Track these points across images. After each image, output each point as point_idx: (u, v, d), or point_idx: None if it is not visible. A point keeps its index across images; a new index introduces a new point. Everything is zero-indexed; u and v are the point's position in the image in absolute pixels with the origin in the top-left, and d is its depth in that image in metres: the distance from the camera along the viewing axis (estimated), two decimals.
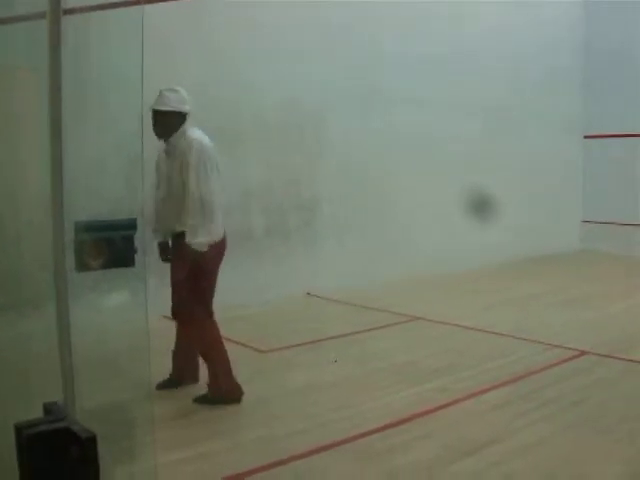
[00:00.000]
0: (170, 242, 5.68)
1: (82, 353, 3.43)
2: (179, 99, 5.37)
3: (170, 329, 7.59)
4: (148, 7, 7.27)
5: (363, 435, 4.95)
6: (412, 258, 10.59)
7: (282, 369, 6.39)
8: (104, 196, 3.54)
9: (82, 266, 2.79)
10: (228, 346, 7.25)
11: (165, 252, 5.74)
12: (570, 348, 7.05)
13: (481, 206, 10.88)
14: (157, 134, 5.42)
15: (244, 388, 5.78)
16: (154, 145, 5.48)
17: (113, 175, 3.75)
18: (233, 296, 8.66)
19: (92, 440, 2.01)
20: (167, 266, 5.59)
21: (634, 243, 13.28)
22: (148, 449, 3.79)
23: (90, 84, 3.60)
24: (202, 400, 5.52)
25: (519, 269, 12.16)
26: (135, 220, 2.92)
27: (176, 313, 5.56)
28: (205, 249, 5.24)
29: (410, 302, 9.25)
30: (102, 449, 2.65)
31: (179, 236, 5.37)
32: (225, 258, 9.18)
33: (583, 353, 6.92)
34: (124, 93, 3.40)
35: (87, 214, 3.14)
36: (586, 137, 14.49)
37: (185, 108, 5.38)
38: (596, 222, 14.01)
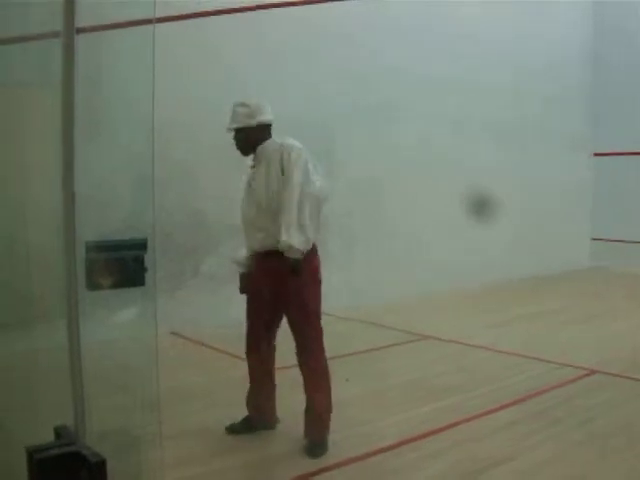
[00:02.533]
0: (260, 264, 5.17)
1: (92, 371, 3.44)
2: (248, 113, 4.96)
3: (178, 345, 7.58)
4: (159, 26, 7.34)
5: (374, 453, 4.94)
6: (420, 275, 10.57)
7: (293, 388, 6.36)
8: (115, 215, 3.56)
9: (93, 285, 2.80)
10: (235, 362, 7.28)
11: (247, 284, 5.31)
12: (580, 367, 7.03)
13: (489, 219, 10.89)
14: (240, 151, 5.10)
15: None
16: (165, 163, 5.47)
17: (124, 194, 3.76)
18: (240, 312, 8.69)
19: (102, 464, 2.02)
20: (177, 284, 5.48)
21: None
22: (156, 467, 3.79)
23: (101, 102, 3.63)
24: (314, 453, 5.00)
25: (529, 287, 12.14)
26: (145, 240, 2.93)
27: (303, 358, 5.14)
28: (299, 255, 4.80)
29: (419, 320, 9.23)
30: (111, 467, 2.66)
31: (274, 255, 4.89)
32: (234, 274, 9.20)
33: (593, 372, 6.89)
34: (135, 111, 3.41)
35: (98, 233, 3.16)
36: (596, 155, 14.48)
37: (253, 122, 4.96)
38: (606, 240, 13.98)
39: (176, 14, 7.74)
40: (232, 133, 5.08)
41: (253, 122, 4.98)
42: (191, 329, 8.29)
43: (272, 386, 5.43)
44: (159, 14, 6.62)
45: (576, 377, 6.76)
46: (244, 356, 7.07)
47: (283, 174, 4.84)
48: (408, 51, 10.96)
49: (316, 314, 5.07)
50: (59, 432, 2.15)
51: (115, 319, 3.89)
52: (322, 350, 5.13)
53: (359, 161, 10.29)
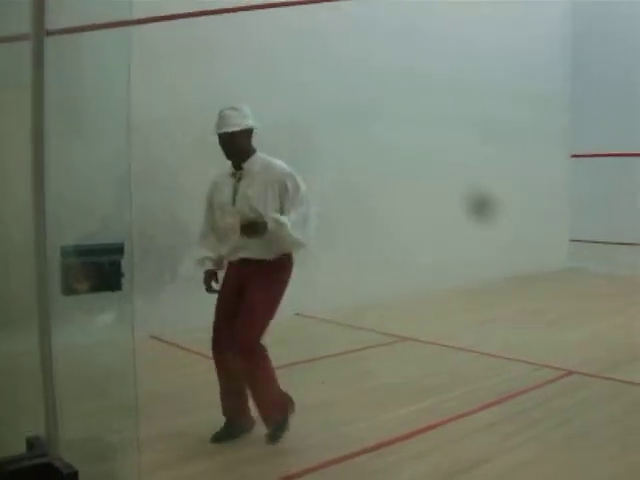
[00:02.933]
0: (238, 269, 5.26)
1: (68, 376, 3.42)
2: (238, 117, 5.04)
3: (157, 349, 7.54)
4: (141, 26, 7.32)
5: (353, 455, 4.92)
6: (400, 277, 10.58)
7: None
8: (91, 218, 3.53)
9: (69, 290, 2.78)
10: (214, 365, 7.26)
11: (209, 282, 5.42)
12: (558, 368, 7.05)
13: (473, 219, 10.95)
14: (227, 156, 5.14)
15: None
16: (140, 165, 5.43)
17: (100, 196, 3.74)
18: None
19: (74, 476, 1.99)
20: (156, 287, 5.46)
21: (622, 262, 13.29)
22: (133, 471, 3.76)
23: (77, 104, 3.60)
24: (274, 436, 5.14)
25: (507, 288, 12.18)
26: (122, 245, 2.91)
27: (244, 347, 5.17)
28: (304, 244, 5.01)
29: (399, 322, 9.23)
30: (89, 473, 2.64)
31: (249, 262, 5.09)
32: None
33: (570, 373, 6.92)
34: (112, 112, 3.40)
35: (75, 237, 3.13)
36: (573, 156, 14.54)
37: (243, 125, 5.04)
38: (584, 241, 14.05)
39: (160, 14, 7.71)
40: (217, 137, 5.11)
41: (243, 125, 5.04)
42: (170, 332, 8.25)
43: (240, 387, 5.35)
44: (141, 15, 6.60)
45: (555, 378, 6.78)
46: None
47: (285, 203, 4.99)
48: (393, 51, 10.97)
49: (262, 316, 5.18)
50: (31, 443, 2.12)
51: (92, 323, 3.87)
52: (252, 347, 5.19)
53: (344, 161, 10.29)
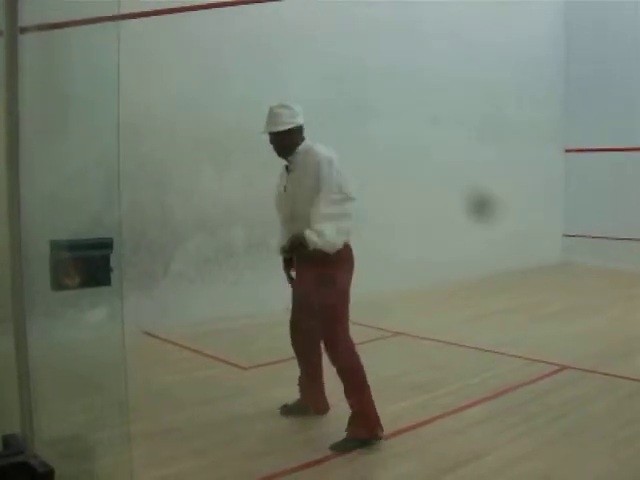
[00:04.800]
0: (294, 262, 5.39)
1: (57, 371, 3.39)
2: (291, 115, 5.11)
3: (149, 344, 7.54)
4: (133, 22, 7.28)
5: (344, 452, 4.91)
6: (393, 271, 10.57)
7: (263, 386, 6.36)
8: (81, 213, 3.51)
9: (57, 285, 2.76)
10: (207, 362, 7.24)
11: (286, 269, 5.46)
12: (551, 363, 7.05)
13: (471, 210, 10.96)
14: (278, 154, 5.22)
15: (223, 405, 5.78)
16: (132, 161, 5.42)
17: (90, 192, 3.71)
18: (213, 311, 8.65)
19: (49, 475, 1.96)
20: (147, 283, 5.46)
21: (615, 256, 13.31)
22: (125, 467, 3.74)
23: (67, 100, 3.58)
24: (342, 447, 5.02)
25: (500, 282, 12.17)
26: (111, 239, 2.88)
27: (324, 337, 5.24)
28: (331, 249, 4.95)
29: (391, 317, 9.22)
30: (77, 469, 2.62)
31: (306, 254, 5.03)
32: (206, 272, 9.15)
33: (564, 368, 6.91)
34: (102, 109, 3.37)
35: (63, 232, 3.11)
36: (567, 151, 14.55)
37: (300, 121, 5.16)
38: (577, 236, 14.06)
39: (151, 10, 7.68)
40: (267, 136, 5.17)
41: (293, 124, 5.12)
42: (162, 328, 8.23)
43: (317, 373, 5.59)
44: (130, 9, 6.57)
45: (548, 373, 6.78)
46: (214, 354, 7.07)
47: (318, 186, 4.96)
48: (385, 48, 10.95)
49: (335, 311, 5.16)
50: (8, 441, 2.09)
51: (82, 319, 3.84)
52: (339, 343, 5.25)
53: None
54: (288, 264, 5.45)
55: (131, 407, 3.87)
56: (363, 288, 9.94)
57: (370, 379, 6.48)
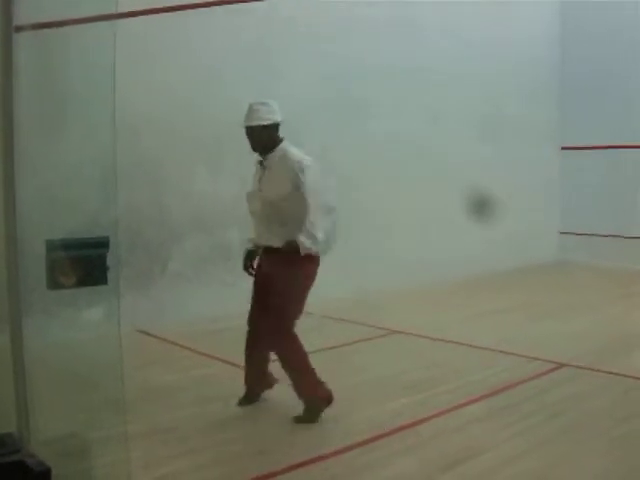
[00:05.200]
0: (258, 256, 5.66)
1: (53, 370, 3.39)
2: (269, 111, 5.34)
3: (145, 344, 7.53)
4: (129, 20, 7.27)
5: (343, 450, 4.91)
6: (391, 270, 10.56)
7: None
8: (77, 212, 3.50)
9: (54, 284, 2.75)
10: (204, 361, 7.24)
11: (249, 261, 5.70)
12: (548, 360, 7.04)
13: (468, 209, 10.97)
14: (253, 149, 5.42)
15: (220, 404, 5.80)
16: (128, 160, 5.41)
17: (87, 191, 3.71)
18: (210, 310, 8.64)
19: (46, 474, 1.95)
20: (144, 282, 5.48)
21: (611, 254, 13.31)
22: (123, 467, 3.74)
23: (64, 98, 3.57)
24: (303, 418, 5.43)
25: (496, 281, 12.16)
26: (107, 238, 2.88)
27: (270, 327, 5.46)
28: (312, 251, 5.22)
29: (389, 315, 9.19)
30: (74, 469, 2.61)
31: (274, 251, 5.33)
32: (201, 272, 9.14)
33: (562, 365, 6.91)
34: (98, 107, 3.36)
35: (59, 231, 3.10)
36: (563, 148, 14.56)
37: (277, 119, 5.37)
38: (573, 233, 14.07)
39: (148, 8, 7.68)
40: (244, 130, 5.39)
41: (271, 120, 5.34)
42: (159, 327, 8.22)
43: (260, 360, 5.84)
44: (129, 9, 6.57)
45: (545, 371, 6.78)
46: (211, 354, 7.07)
47: (298, 190, 5.21)
48: (384, 47, 10.95)
49: (285, 308, 5.40)
50: (4, 440, 2.08)
51: (79, 318, 3.84)
52: (283, 343, 5.50)
53: (332, 155, 10.23)
54: (248, 256, 5.70)
55: (128, 406, 3.88)
56: (360, 288, 10.05)
57: (368, 377, 6.51)
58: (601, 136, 13.38)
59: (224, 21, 8.97)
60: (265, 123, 5.30)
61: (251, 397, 5.88)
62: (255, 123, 5.29)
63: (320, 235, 5.17)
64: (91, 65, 3.49)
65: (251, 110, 5.32)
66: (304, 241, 5.11)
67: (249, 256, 5.70)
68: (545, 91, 14.39)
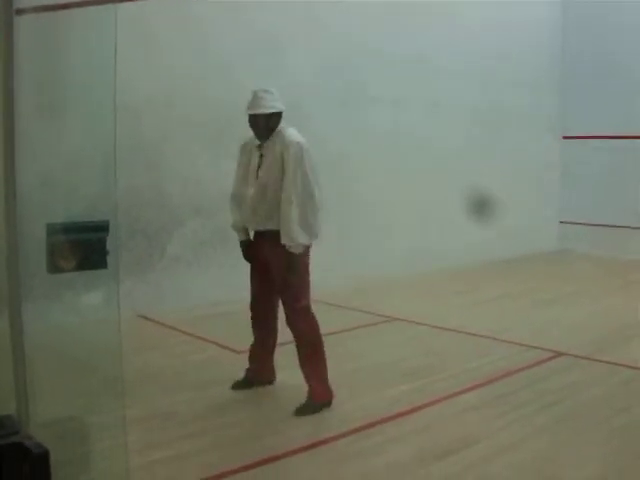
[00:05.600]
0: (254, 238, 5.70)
1: (53, 354, 3.39)
2: (274, 99, 5.31)
3: (145, 328, 7.55)
4: (133, 4, 7.25)
5: (339, 437, 4.93)
6: (389, 257, 10.58)
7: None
8: (78, 196, 3.50)
9: (53, 268, 2.76)
10: (204, 346, 7.25)
11: (248, 251, 5.71)
12: (547, 349, 7.06)
13: (468, 198, 10.97)
14: (258, 137, 5.40)
15: (219, 389, 5.81)
16: (129, 145, 5.39)
17: (86, 175, 3.71)
18: (210, 295, 8.65)
19: (44, 456, 1.95)
20: (144, 267, 5.48)
21: (611, 244, 13.32)
22: (121, 450, 3.75)
23: (64, 83, 3.56)
24: (305, 410, 5.39)
25: (496, 269, 12.17)
26: (107, 222, 2.88)
27: (292, 308, 5.48)
28: (301, 250, 5.28)
29: (387, 302, 9.21)
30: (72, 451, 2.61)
31: (274, 235, 5.31)
32: (202, 256, 9.14)
33: (560, 354, 6.93)
34: (98, 91, 3.36)
35: (60, 215, 3.10)
36: (564, 138, 14.54)
37: (282, 107, 5.36)
38: (574, 223, 14.07)
39: None
40: (247, 117, 5.36)
41: (275, 108, 5.32)
42: (158, 312, 8.23)
43: (272, 342, 5.89)
44: None
45: (543, 359, 6.79)
46: (210, 338, 7.09)
47: (286, 172, 5.24)
48: (380, 34, 10.91)
49: (302, 287, 5.45)
50: (3, 422, 2.09)
51: (78, 302, 3.84)
52: (305, 320, 5.50)
53: (330, 143, 10.23)
54: (245, 246, 5.74)
55: (126, 390, 3.90)
56: (359, 274, 10.06)
57: (366, 364, 6.52)
58: (602, 126, 13.35)
59: (226, 5, 8.94)
60: (270, 111, 5.28)
61: (246, 382, 5.91)
62: (261, 111, 5.26)
63: (300, 233, 5.21)
64: (92, 48, 3.48)
65: (256, 97, 5.29)
66: (289, 246, 5.22)
67: (247, 246, 5.72)
68: (546, 81, 14.34)
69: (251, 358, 5.96)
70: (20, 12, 2.43)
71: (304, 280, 5.43)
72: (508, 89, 13.13)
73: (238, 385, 5.88)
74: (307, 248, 5.36)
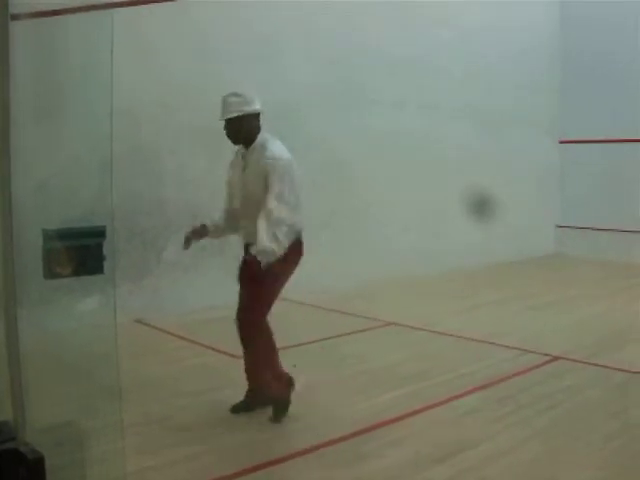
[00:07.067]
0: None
1: (50, 359, 3.39)
2: (240, 102, 5.13)
3: (142, 334, 7.53)
4: (129, 8, 7.25)
5: (335, 441, 4.92)
6: (386, 261, 10.57)
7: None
8: (74, 202, 3.50)
9: (50, 274, 2.76)
10: (199, 350, 7.24)
11: (188, 233, 5.65)
12: (543, 353, 7.06)
13: (466, 202, 10.98)
14: (234, 142, 5.30)
15: (215, 395, 5.80)
16: (126, 150, 5.40)
17: (83, 180, 3.71)
18: (206, 300, 8.64)
19: (40, 461, 1.96)
20: (141, 272, 5.41)
21: (607, 248, 13.34)
22: (118, 456, 3.74)
23: (61, 88, 3.57)
24: (277, 415, 5.33)
25: (493, 273, 12.18)
26: (104, 228, 2.88)
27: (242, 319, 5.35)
28: (267, 261, 4.98)
29: (384, 306, 9.21)
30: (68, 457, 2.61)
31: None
32: (199, 261, 9.12)
33: (556, 358, 6.93)
34: (95, 97, 3.36)
35: (56, 220, 3.11)
36: (562, 142, 14.55)
37: (250, 109, 5.17)
38: (571, 227, 14.08)
39: None
40: (223, 124, 5.22)
41: (246, 110, 5.15)
42: (155, 317, 8.22)
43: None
44: None
45: (540, 363, 6.79)
46: (207, 343, 7.08)
47: (267, 185, 5.05)
48: (381, 36, 10.93)
49: (257, 300, 5.28)
50: None
51: (75, 307, 3.84)
52: (249, 332, 5.32)
53: (329, 144, 10.24)
54: (193, 230, 5.68)
55: (123, 395, 3.89)
56: (355, 279, 10.06)
57: (363, 368, 6.51)
58: (600, 129, 13.37)
59: (224, 7, 8.95)
60: (236, 114, 5.12)
61: (248, 403, 5.55)
62: (227, 116, 5.14)
63: (269, 246, 4.93)
64: (89, 53, 3.49)
65: (224, 103, 5.16)
66: (260, 257, 4.94)
67: (193, 230, 5.69)
68: (544, 83, 14.36)
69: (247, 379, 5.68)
70: (16, 18, 2.43)
71: (265, 296, 5.27)
72: (507, 91, 13.16)
73: (236, 408, 5.55)
74: (283, 266, 5.15)
